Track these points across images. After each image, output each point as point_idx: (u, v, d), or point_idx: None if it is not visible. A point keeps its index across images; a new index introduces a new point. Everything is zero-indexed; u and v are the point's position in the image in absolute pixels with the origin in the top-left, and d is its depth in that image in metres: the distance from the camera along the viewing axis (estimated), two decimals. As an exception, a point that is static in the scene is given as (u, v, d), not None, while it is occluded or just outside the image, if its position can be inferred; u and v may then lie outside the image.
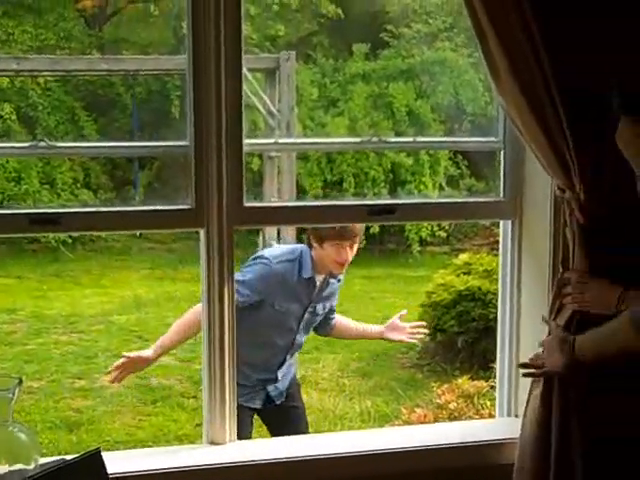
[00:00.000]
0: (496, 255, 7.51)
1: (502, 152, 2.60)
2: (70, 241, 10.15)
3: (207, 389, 2.39)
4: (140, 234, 9.93)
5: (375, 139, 2.73)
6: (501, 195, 2.61)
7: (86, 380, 6.84)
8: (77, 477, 1.59)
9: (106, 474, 1.64)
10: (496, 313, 2.75)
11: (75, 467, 1.60)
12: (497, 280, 2.77)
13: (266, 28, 10.83)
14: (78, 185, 10.87)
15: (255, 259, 3.57)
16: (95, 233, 8.70)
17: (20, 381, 1.75)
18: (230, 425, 2.40)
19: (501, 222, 2.68)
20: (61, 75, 10.34)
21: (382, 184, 10.18)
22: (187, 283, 9.29)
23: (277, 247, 3.63)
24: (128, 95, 11.03)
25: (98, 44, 11.72)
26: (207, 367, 2.38)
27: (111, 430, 5.96)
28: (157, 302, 8.82)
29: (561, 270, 2.36)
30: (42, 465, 1.72)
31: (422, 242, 10.42)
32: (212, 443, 2.40)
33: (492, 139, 2.67)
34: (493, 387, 4.40)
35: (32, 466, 1.79)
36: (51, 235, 8.90)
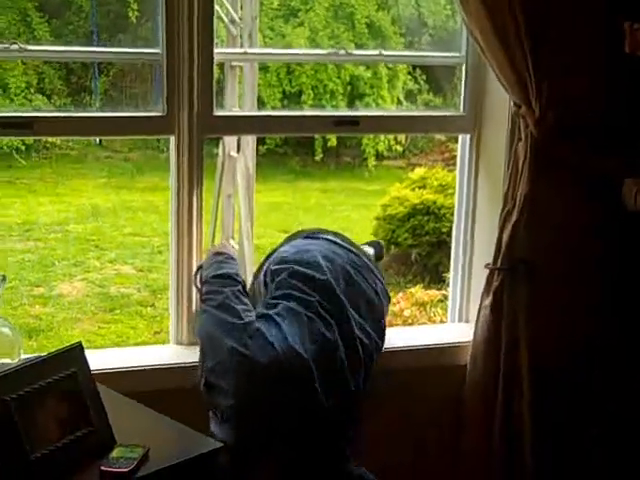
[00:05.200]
0: (451, 170, 7.66)
1: (463, 67, 2.66)
2: (23, 148, 9.99)
3: (174, 295, 2.47)
4: (100, 141, 9.81)
5: (342, 52, 2.75)
6: (461, 110, 2.68)
7: (44, 288, 6.86)
8: (60, 369, 1.65)
9: (88, 367, 1.72)
10: (449, 227, 2.85)
11: (58, 360, 1.67)
12: (451, 195, 2.86)
13: None
14: (32, 90, 10.64)
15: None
16: (69, 137, 8.57)
17: (4, 277, 1.80)
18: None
19: (460, 136, 2.75)
20: (13, -25, 10.01)
21: (340, 97, 10.15)
22: (144, 193, 9.28)
23: None
24: (83, -3, 10.72)
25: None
26: (175, 274, 2.45)
27: (71, 337, 5.97)
28: (114, 211, 8.78)
29: (506, 185, 2.47)
30: (24, 360, 1.80)
31: (378, 156, 10.48)
32: (178, 344, 2.49)
33: (454, 54, 2.71)
34: (445, 296, 4.57)
35: (16, 360, 1.87)
36: (4, 140, 8.75)
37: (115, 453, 1.66)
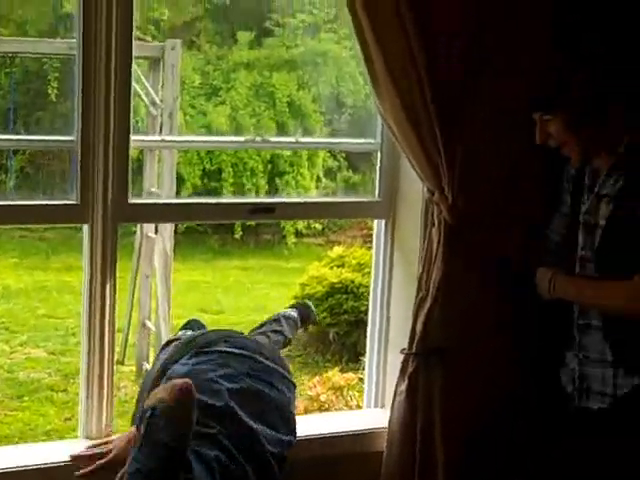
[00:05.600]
0: (369, 248, 7.75)
1: (379, 154, 2.70)
2: None
3: (84, 383, 2.40)
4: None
5: (258, 139, 2.80)
6: (376, 195, 2.71)
7: (-52, 374, 6.60)
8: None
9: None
10: (367, 306, 2.86)
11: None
12: (369, 273, 2.88)
13: (149, 11, 10.64)
14: (-56, 171, 10.40)
15: None
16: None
17: None
18: (108, 418, 2.41)
19: (375, 221, 2.78)
20: None
21: (261, 174, 10.22)
22: (59, 272, 9.06)
23: None
24: (1, 74, 10.62)
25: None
26: (86, 362, 2.39)
27: (-25, 428, 5.77)
28: (27, 292, 8.55)
29: (420, 270, 2.50)
30: None
31: (298, 234, 10.54)
32: (88, 437, 2.40)
33: (369, 140, 2.76)
34: (362, 379, 4.57)
35: None
36: None
37: None
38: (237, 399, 2.14)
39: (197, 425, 2.01)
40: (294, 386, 2.42)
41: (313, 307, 3.14)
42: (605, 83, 2.13)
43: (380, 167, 2.70)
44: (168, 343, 2.69)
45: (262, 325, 2.87)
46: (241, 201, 3.00)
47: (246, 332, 2.78)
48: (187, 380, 2.01)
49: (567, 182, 2.37)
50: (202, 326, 2.91)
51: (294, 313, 2.90)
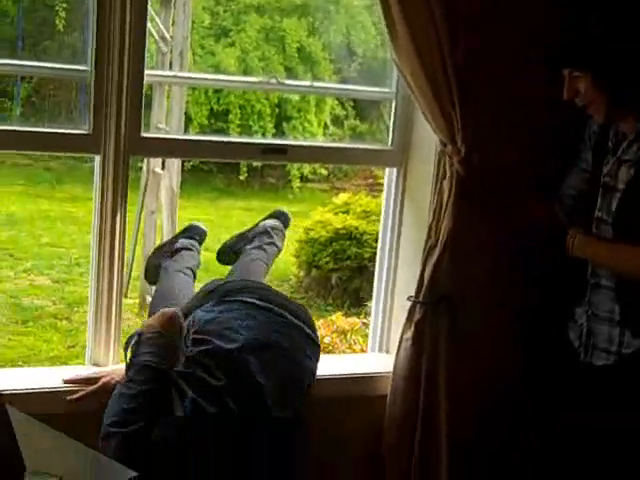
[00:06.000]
0: (374, 197, 7.76)
1: (393, 103, 2.69)
2: None
3: (93, 311, 2.43)
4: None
5: (273, 80, 2.77)
6: (389, 144, 2.72)
7: (-48, 298, 6.64)
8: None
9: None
10: (371, 253, 2.88)
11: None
12: (374, 222, 2.90)
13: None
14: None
15: None
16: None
17: None
18: (114, 346, 2.44)
19: (387, 169, 2.79)
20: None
21: (268, 118, 10.18)
22: (63, 203, 9.09)
23: None
24: (9, 2, 10.50)
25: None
26: (94, 291, 2.41)
27: (-20, 349, 5.83)
28: (31, 220, 8.58)
29: (430, 219, 2.51)
30: None
31: (303, 178, 10.53)
32: (95, 364, 2.44)
33: (384, 89, 2.75)
34: (365, 324, 4.60)
35: None
36: None
37: (26, 482, 1.60)
38: (255, 352, 2.12)
39: (204, 372, 2.03)
40: (318, 346, 2.39)
41: (287, 211, 3.18)
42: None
43: (394, 116, 2.69)
44: (177, 250, 2.81)
45: (248, 236, 2.98)
46: (253, 141, 2.99)
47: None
48: (175, 310, 2.15)
49: (589, 139, 2.35)
50: (202, 231, 3.01)
51: (278, 223, 2.97)
